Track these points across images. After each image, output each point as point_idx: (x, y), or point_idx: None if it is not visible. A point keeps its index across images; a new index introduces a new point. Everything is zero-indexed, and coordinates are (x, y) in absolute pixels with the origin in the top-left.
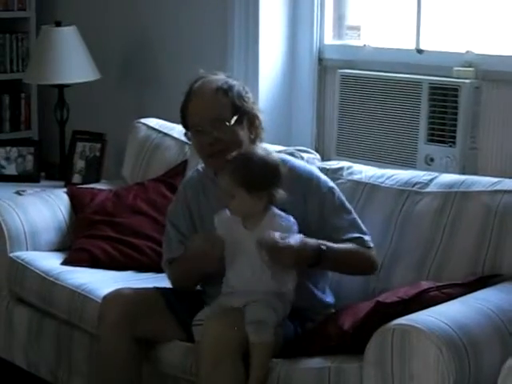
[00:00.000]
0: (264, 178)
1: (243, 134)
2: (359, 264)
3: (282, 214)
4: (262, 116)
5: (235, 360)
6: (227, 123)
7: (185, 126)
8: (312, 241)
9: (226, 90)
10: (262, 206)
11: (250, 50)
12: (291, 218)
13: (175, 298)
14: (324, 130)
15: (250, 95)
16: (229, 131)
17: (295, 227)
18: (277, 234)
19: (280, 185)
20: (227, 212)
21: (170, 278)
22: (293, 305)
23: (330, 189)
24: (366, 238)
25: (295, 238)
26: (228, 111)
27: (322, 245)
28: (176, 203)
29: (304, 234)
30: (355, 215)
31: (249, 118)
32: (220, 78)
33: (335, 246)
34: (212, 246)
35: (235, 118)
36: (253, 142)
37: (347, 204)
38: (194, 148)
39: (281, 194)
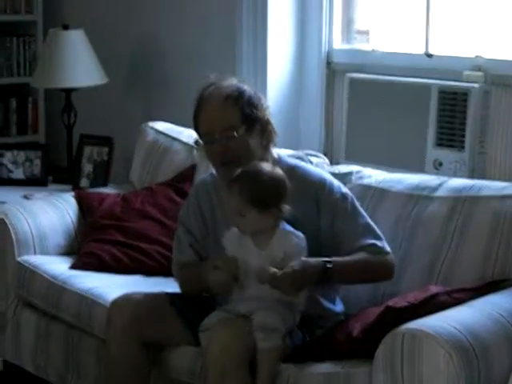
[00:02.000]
0: (274, 195)
1: (254, 142)
2: (373, 273)
3: (292, 229)
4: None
5: (242, 368)
6: (235, 133)
7: (198, 134)
8: (315, 261)
9: (235, 98)
10: (271, 222)
11: (259, 53)
12: (300, 234)
13: (184, 303)
14: (332, 134)
15: (262, 101)
16: (238, 141)
17: (304, 243)
18: (272, 269)
19: (287, 200)
20: (235, 230)
21: (179, 281)
22: (303, 313)
23: (343, 194)
24: (380, 244)
25: (295, 265)
26: (238, 120)
27: (328, 262)
28: (188, 206)
29: (316, 243)
30: (369, 220)
31: (261, 125)
32: (231, 83)
33: (343, 259)
34: (228, 269)
35: (244, 127)
36: (265, 147)
37: (360, 209)
38: (206, 156)
39: (286, 208)
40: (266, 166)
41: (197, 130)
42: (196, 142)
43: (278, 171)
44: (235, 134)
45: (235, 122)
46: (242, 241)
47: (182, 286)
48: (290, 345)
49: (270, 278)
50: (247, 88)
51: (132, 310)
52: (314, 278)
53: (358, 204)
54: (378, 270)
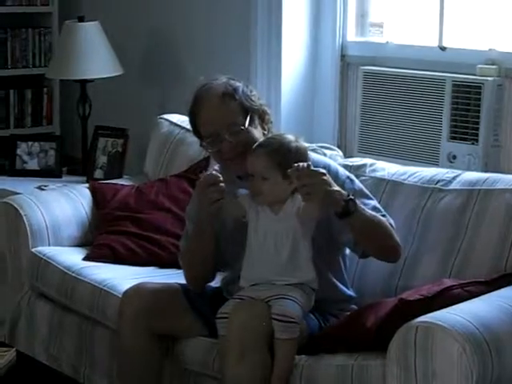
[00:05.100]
0: (299, 161)
1: (257, 132)
2: (387, 235)
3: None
4: (269, 110)
5: (262, 350)
6: (242, 127)
7: (199, 137)
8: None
9: (231, 94)
10: (290, 191)
11: (273, 46)
12: None
13: (196, 294)
14: (346, 126)
15: (254, 92)
16: (244, 134)
17: None
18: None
19: None
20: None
21: (183, 267)
22: (316, 297)
23: (348, 177)
24: (391, 220)
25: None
26: (239, 114)
27: (352, 197)
28: (194, 201)
29: (326, 225)
30: (376, 202)
31: (259, 116)
32: (222, 81)
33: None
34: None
35: (248, 119)
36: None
37: (367, 191)
38: (212, 156)
39: None
40: (291, 136)
41: (198, 133)
42: (201, 145)
43: (302, 142)
44: (242, 127)
45: (237, 117)
46: (257, 208)
47: (185, 270)
48: (306, 332)
49: (304, 168)
50: (238, 82)
51: (143, 301)
52: (339, 198)
53: (363, 187)
54: (391, 236)
